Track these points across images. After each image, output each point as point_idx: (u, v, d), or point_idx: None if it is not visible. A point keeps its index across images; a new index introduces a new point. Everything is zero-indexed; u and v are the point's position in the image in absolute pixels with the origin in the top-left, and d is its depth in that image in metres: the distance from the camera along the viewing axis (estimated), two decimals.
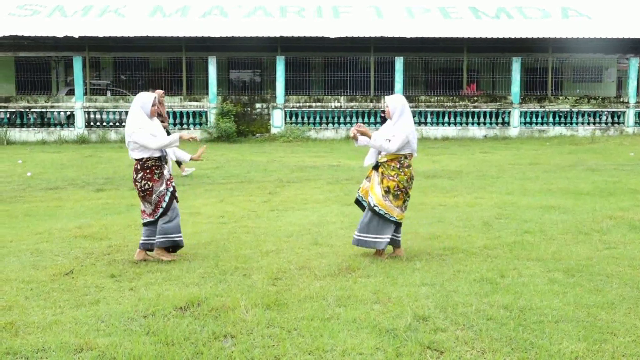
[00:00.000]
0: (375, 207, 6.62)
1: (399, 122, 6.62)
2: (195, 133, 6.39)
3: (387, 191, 6.60)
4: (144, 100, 6.53)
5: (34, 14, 26.75)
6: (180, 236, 6.71)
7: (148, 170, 6.57)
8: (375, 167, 6.75)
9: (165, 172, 6.67)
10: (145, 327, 4.66)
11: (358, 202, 6.97)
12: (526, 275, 6.00)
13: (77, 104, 24.20)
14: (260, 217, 9.28)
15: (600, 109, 25.40)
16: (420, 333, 4.51)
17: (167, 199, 6.61)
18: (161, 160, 6.62)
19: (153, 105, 6.54)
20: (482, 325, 4.65)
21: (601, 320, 4.73)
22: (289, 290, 5.56)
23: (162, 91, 13.98)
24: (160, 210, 6.61)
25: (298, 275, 6.06)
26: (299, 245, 7.33)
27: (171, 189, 6.68)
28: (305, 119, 24.73)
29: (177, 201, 6.80)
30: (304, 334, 4.51)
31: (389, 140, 6.55)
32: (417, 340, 4.38)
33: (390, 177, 6.62)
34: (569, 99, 25.33)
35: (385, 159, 6.68)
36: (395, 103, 6.68)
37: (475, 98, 25.34)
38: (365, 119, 24.76)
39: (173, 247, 6.73)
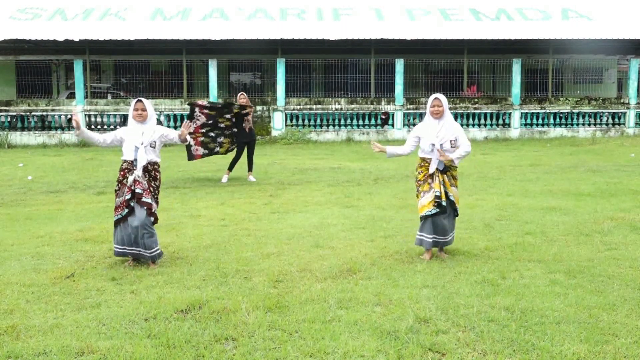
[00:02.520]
0: (456, 207, 6.87)
1: (447, 119, 6.69)
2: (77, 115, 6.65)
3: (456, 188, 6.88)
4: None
5: (35, 18, 26.81)
6: (116, 247, 6.72)
7: (121, 172, 6.68)
8: (442, 171, 6.70)
9: (130, 178, 6.57)
10: (147, 330, 4.65)
11: (441, 207, 6.65)
12: (527, 276, 6.00)
13: (78, 107, 24.22)
14: (261, 219, 9.28)
15: (600, 110, 25.43)
16: (422, 335, 4.51)
17: (119, 215, 6.63)
18: (132, 164, 6.62)
19: (135, 109, 6.65)
20: (483, 326, 4.65)
21: (603, 322, 4.73)
22: (290, 293, 5.56)
23: (242, 93, 14.02)
24: (115, 217, 6.69)
25: (299, 278, 6.06)
26: (300, 248, 7.33)
27: (128, 196, 6.53)
28: (306, 121, 24.76)
29: (146, 205, 6.57)
30: (305, 337, 4.51)
31: (457, 143, 6.71)
32: (419, 342, 4.37)
33: (456, 177, 6.87)
34: (569, 100, 25.35)
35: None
36: (446, 101, 6.73)
37: (476, 99, 25.37)
38: (366, 121, 24.79)
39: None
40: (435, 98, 6.68)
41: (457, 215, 6.95)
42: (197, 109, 13.38)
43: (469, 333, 4.55)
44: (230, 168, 13.81)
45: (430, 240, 6.73)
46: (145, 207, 6.57)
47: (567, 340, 4.39)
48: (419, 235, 6.82)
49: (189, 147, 13.44)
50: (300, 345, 4.36)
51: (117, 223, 6.69)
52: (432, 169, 6.66)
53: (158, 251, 6.71)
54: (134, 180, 6.55)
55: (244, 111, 13.46)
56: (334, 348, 4.31)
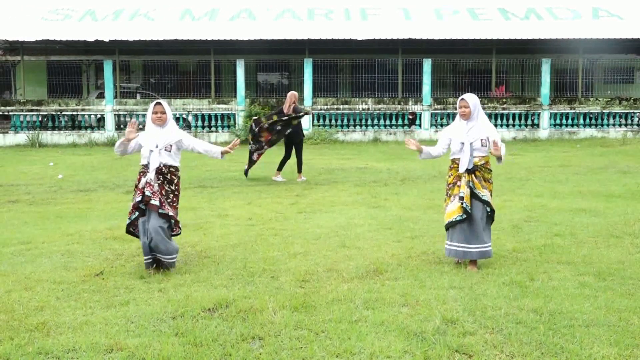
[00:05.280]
0: (492, 212, 6.56)
1: (480, 120, 6.52)
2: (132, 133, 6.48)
3: (491, 194, 6.55)
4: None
5: (66, 19, 27.19)
6: (146, 259, 6.40)
7: (138, 176, 6.59)
8: (470, 171, 6.48)
9: (143, 180, 6.46)
10: (174, 328, 4.69)
11: (467, 212, 6.44)
12: (556, 278, 5.93)
13: (108, 107, 24.52)
14: (288, 219, 9.30)
15: (632, 111, 25.03)
16: (449, 336, 4.48)
17: (129, 219, 6.51)
18: (146, 167, 6.52)
19: (154, 112, 6.57)
20: (511, 329, 4.61)
21: (633, 325, 4.66)
22: (316, 293, 5.56)
23: (294, 93, 14.09)
24: (127, 221, 6.59)
25: (326, 278, 6.06)
26: (327, 248, 7.33)
27: (139, 198, 6.38)
28: (333, 121, 24.76)
29: (155, 209, 6.36)
30: (331, 337, 4.51)
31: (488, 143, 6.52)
32: (446, 343, 4.35)
33: (490, 181, 6.59)
34: (599, 101, 25.00)
35: (482, 162, 6.50)
36: (475, 101, 6.53)
37: (504, 100, 25.14)
38: (393, 121, 24.72)
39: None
40: (461, 99, 6.55)
41: (492, 220, 6.63)
42: (256, 128, 13.79)
43: (496, 335, 4.52)
44: (280, 168, 13.88)
45: (461, 249, 6.47)
46: (153, 210, 6.37)
47: (597, 343, 4.34)
48: (449, 245, 6.55)
49: (250, 157, 13.89)
50: (327, 345, 4.37)
51: (127, 228, 6.58)
52: (462, 169, 6.49)
53: (174, 259, 6.49)
54: (146, 183, 6.42)
55: (295, 121, 13.74)
56: (360, 348, 4.30)
